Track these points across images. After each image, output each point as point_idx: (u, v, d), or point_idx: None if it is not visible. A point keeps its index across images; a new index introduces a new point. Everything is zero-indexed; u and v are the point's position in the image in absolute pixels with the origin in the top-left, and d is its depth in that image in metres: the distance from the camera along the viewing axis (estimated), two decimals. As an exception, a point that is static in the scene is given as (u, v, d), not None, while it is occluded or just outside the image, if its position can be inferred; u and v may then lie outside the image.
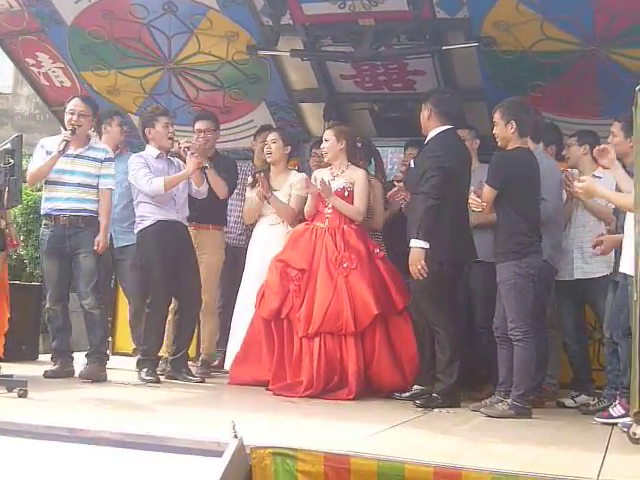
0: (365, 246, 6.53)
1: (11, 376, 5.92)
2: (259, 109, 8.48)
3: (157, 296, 6.85)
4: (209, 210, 7.17)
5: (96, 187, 6.69)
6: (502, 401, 5.61)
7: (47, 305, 6.71)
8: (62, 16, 7.88)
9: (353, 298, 6.30)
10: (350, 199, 6.65)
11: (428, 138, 6.16)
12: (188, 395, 6.15)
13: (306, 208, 6.80)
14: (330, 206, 6.62)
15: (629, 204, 5.01)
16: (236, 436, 3.89)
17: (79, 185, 6.63)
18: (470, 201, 5.90)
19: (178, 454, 3.98)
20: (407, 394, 6.16)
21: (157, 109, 7.05)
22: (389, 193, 6.91)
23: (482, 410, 5.61)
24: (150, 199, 6.81)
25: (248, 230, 7.45)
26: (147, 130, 6.91)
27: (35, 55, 8.44)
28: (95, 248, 6.61)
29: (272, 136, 7.11)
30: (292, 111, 8.52)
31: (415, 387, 6.18)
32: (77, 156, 6.65)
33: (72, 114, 6.62)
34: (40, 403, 5.30)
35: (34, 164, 6.63)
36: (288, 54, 7.78)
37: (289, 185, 7.05)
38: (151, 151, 6.90)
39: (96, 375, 6.48)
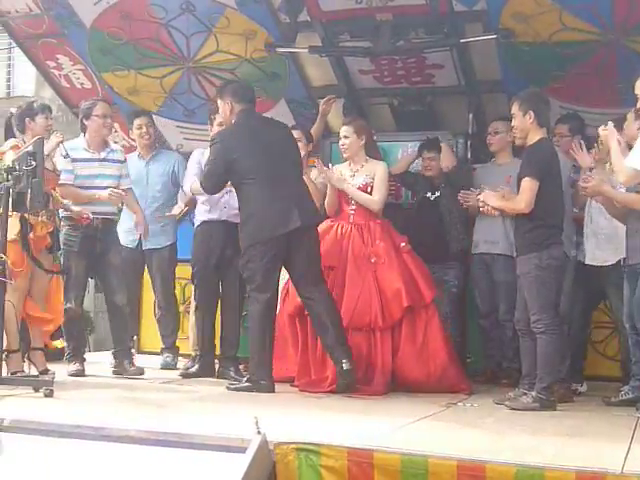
0: (392, 240, 6.54)
1: (37, 376, 5.98)
2: (279, 106, 8.46)
3: (198, 294, 7.06)
4: None
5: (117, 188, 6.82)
6: (526, 394, 5.59)
7: (68, 307, 6.72)
8: (81, 18, 7.90)
9: (382, 293, 6.32)
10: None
11: None
12: (212, 392, 6.17)
13: (326, 201, 6.78)
14: (354, 203, 6.62)
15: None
16: (259, 432, 3.91)
17: (108, 188, 6.74)
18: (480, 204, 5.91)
19: (202, 451, 4.00)
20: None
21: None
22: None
23: (506, 403, 5.59)
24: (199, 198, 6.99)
25: None
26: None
27: (55, 58, 8.47)
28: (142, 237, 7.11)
29: (295, 134, 7.00)
30: (311, 107, 8.49)
31: None
32: (103, 159, 6.75)
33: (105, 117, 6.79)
34: (66, 402, 5.33)
35: (66, 177, 6.69)
36: (306, 51, 7.78)
37: (314, 176, 7.06)
38: None
39: (139, 371, 6.69)
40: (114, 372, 6.78)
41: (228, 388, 6.19)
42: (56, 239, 6.39)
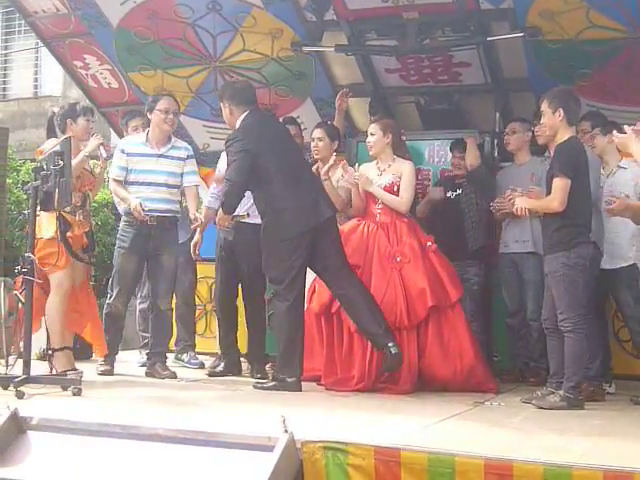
0: (417, 240, 6.53)
1: (65, 375, 6.01)
2: (305, 105, 8.48)
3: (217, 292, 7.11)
4: None
5: (178, 187, 6.79)
6: (554, 393, 5.56)
7: (111, 302, 6.78)
8: (108, 18, 7.94)
9: (407, 291, 6.30)
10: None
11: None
12: (239, 390, 6.18)
13: (353, 203, 6.79)
14: (380, 202, 6.62)
15: None
16: (287, 431, 3.91)
17: (165, 185, 6.72)
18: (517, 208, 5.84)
19: (229, 449, 4.02)
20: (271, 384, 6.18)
21: None
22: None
23: (533, 402, 5.56)
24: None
25: None
26: None
27: (83, 57, 8.51)
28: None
29: (318, 133, 7.08)
30: (338, 106, 8.52)
31: None
32: (161, 155, 6.73)
33: (167, 113, 6.75)
34: (94, 401, 5.37)
35: (116, 173, 6.74)
36: (332, 49, 7.78)
37: (336, 179, 7.03)
38: None
39: (172, 375, 6.66)
40: (147, 374, 6.77)
41: (255, 387, 6.20)
42: (91, 239, 6.42)
